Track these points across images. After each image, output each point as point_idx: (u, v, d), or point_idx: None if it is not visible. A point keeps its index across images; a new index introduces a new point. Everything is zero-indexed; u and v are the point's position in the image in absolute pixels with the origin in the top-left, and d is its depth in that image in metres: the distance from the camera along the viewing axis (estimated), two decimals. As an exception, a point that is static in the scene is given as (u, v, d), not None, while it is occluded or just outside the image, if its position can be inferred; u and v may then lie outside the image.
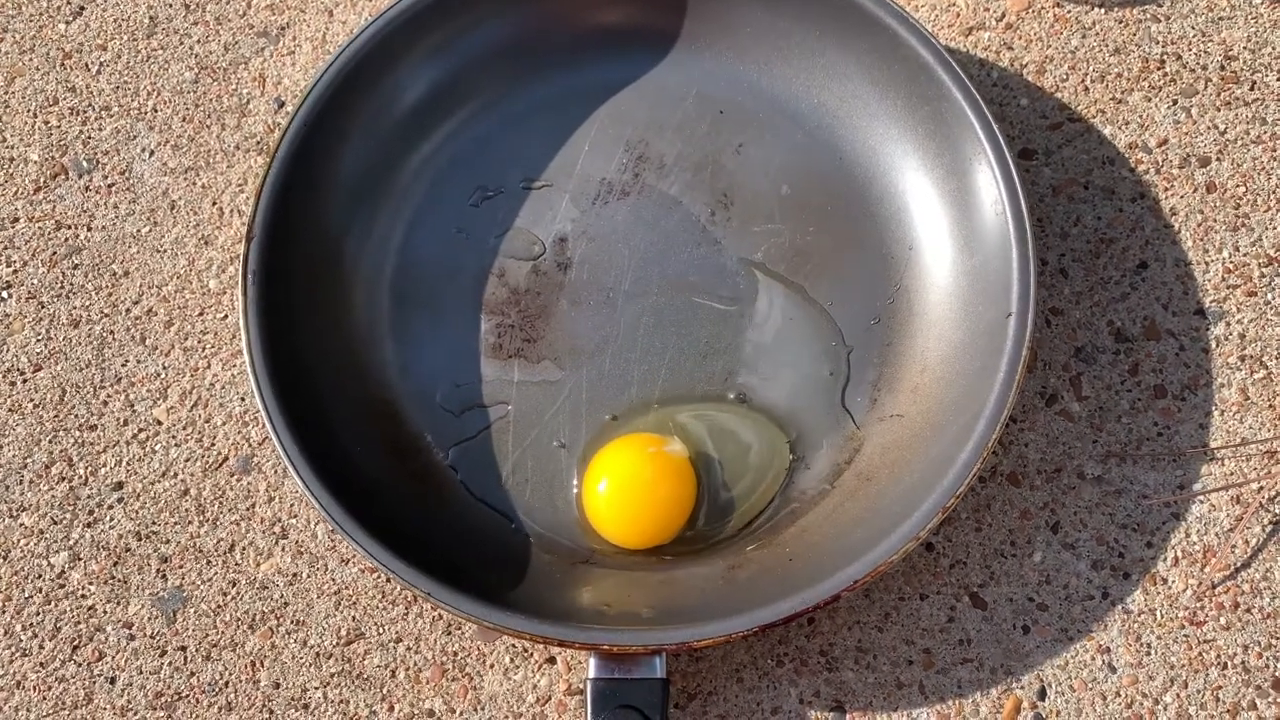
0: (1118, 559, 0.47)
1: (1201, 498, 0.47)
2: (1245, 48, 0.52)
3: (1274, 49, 0.52)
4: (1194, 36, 0.52)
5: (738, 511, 0.48)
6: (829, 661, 0.46)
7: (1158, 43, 0.52)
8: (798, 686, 0.45)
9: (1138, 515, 0.47)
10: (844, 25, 0.50)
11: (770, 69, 0.52)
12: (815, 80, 0.51)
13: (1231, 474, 0.47)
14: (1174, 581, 0.46)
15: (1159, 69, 0.52)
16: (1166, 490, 0.47)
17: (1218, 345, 0.49)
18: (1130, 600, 0.46)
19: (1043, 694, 0.45)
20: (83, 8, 0.55)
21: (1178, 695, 0.45)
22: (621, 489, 0.47)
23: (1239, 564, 0.46)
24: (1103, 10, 0.53)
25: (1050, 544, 0.47)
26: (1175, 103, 0.52)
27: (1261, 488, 0.47)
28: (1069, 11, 0.53)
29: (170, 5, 0.55)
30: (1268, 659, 0.45)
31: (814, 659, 0.46)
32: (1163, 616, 0.46)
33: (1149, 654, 0.45)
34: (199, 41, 0.54)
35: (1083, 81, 0.52)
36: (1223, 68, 0.52)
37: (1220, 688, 0.45)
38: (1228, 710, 0.45)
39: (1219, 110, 0.52)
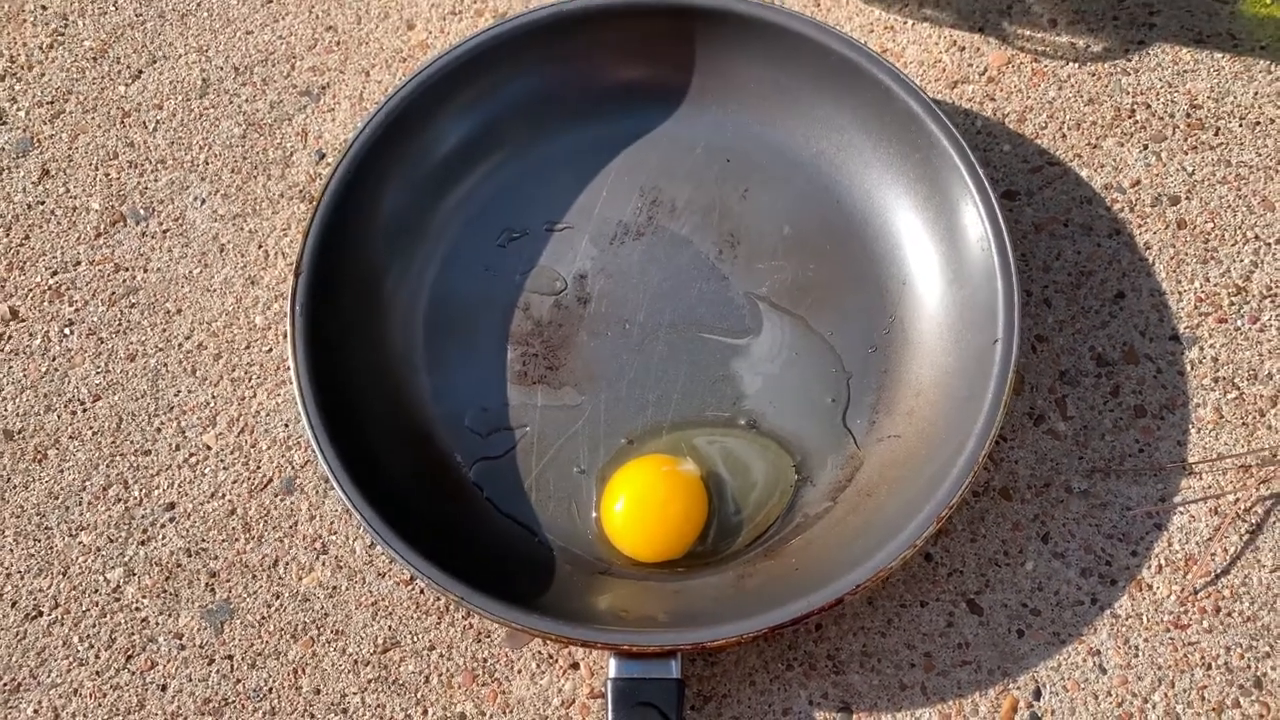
0: (1105, 567, 0.50)
1: (1182, 509, 0.50)
2: (1209, 97, 0.57)
3: (1235, 98, 0.57)
4: (1161, 87, 0.57)
5: (746, 529, 0.51)
6: (836, 665, 0.49)
7: (1128, 93, 0.57)
8: (807, 689, 0.48)
9: (1122, 526, 0.50)
10: (840, 81, 0.54)
11: (773, 121, 0.56)
12: (815, 131, 0.56)
13: (1209, 487, 0.51)
14: (1159, 588, 0.49)
15: (1130, 117, 0.57)
16: (1149, 502, 0.50)
17: (1192, 368, 0.52)
18: (1118, 605, 0.49)
19: (1038, 694, 0.48)
20: (141, 71, 0.60)
21: (1165, 694, 0.48)
22: (637, 505, 0.50)
23: (1219, 570, 0.49)
24: (1077, 64, 0.58)
25: (1041, 553, 0.50)
26: (1146, 147, 0.56)
27: (1238, 499, 0.50)
28: (1046, 66, 0.58)
29: (221, 68, 0.60)
30: (1249, 659, 0.48)
31: (822, 663, 0.49)
32: (1149, 620, 0.49)
33: (1137, 656, 0.48)
34: (247, 101, 0.59)
35: (1060, 129, 0.57)
36: (1189, 115, 0.56)
37: (1205, 687, 0.48)
38: (1213, 708, 0.47)
39: (1186, 154, 0.56)
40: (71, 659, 0.50)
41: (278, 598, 0.50)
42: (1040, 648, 0.49)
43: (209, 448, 0.53)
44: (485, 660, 0.49)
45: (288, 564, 0.51)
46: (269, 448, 0.53)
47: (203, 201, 0.57)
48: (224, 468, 0.52)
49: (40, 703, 0.49)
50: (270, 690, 0.49)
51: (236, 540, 0.51)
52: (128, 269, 0.56)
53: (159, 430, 0.53)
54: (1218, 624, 0.49)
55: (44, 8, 0.61)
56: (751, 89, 0.56)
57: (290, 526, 0.51)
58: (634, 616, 0.47)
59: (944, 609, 0.49)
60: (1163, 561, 0.50)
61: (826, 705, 0.48)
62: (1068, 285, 0.54)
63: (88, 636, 0.50)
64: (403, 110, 0.53)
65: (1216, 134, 0.56)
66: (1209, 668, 0.48)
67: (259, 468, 0.52)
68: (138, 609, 0.50)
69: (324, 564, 0.51)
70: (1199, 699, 0.48)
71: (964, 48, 0.58)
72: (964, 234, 0.52)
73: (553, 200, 0.56)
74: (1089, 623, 0.49)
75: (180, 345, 0.55)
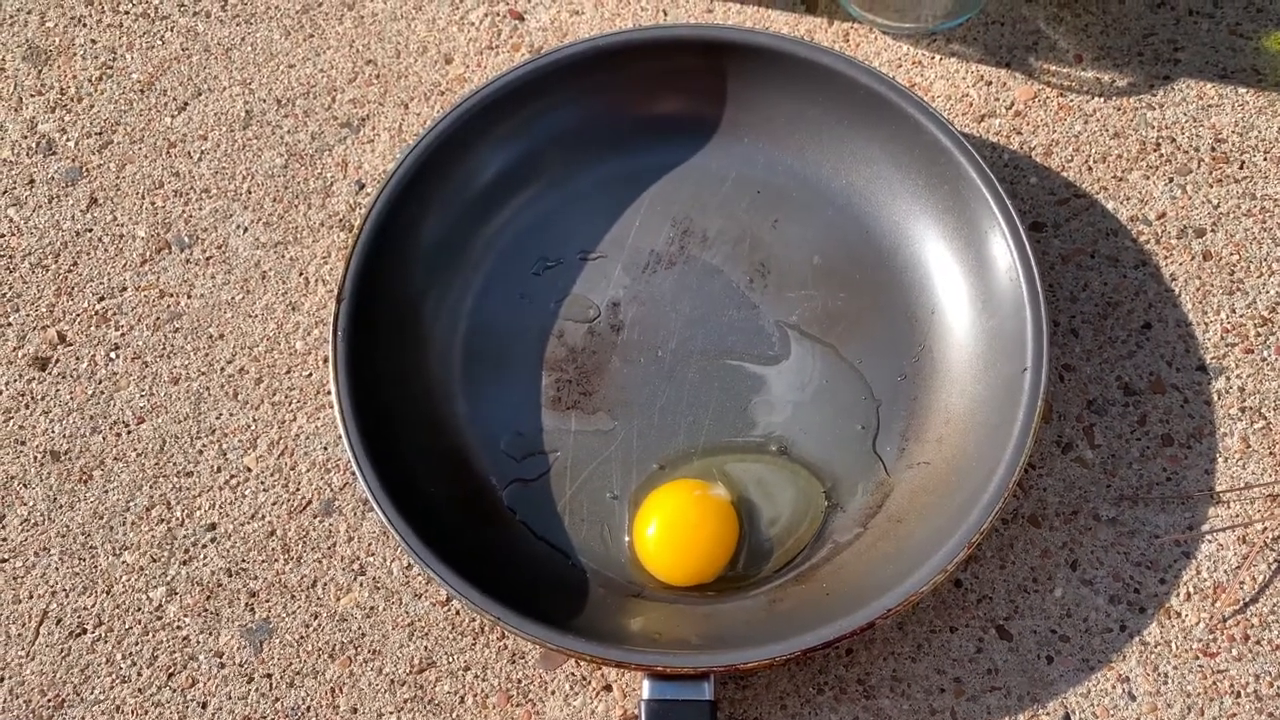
0: (1133, 594, 0.50)
1: (1210, 537, 0.51)
2: (1234, 131, 0.58)
3: (1259, 132, 0.57)
4: (1186, 122, 0.58)
5: (776, 554, 0.51)
6: (866, 690, 0.49)
7: (1153, 127, 0.58)
8: (837, 713, 0.49)
9: (1151, 554, 0.51)
10: (870, 114, 0.55)
11: (803, 153, 0.57)
12: (844, 163, 0.57)
13: (1237, 515, 0.51)
14: (1187, 615, 0.50)
15: (1155, 150, 0.58)
16: (1177, 530, 0.51)
17: (1219, 398, 0.53)
18: (1146, 633, 0.49)
19: (1067, 720, 0.48)
20: (186, 103, 0.62)
21: (1194, 722, 0.48)
22: (668, 528, 0.51)
23: (1247, 599, 0.50)
24: (1102, 99, 0.59)
25: (1070, 580, 0.50)
26: (1171, 180, 0.57)
27: (1266, 528, 0.51)
28: (1072, 100, 0.59)
29: (264, 100, 0.62)
30: (1278, 688, 0.48)
31: (852, 687, 0.49)
32: (1178, 648, 0.49)
33: (1166, 683, 0.49)
34: (289, 132, 0.61)
35: (1086, 162, 0.58)
36: (1213, 149, 0.57)
37: (1234, 715, 0.48)
38: (1242, 736, 0.48)
39: (1212, 187, 0.57)
40: (114, 676, 0.51)
41: (316, 617, 0.51)
42: (1069, 674, 0.49)
43: (249, 470, 0.54)
44: (520, 681, 0.50)
45: (326, 584, 0.52)
46: (308, 470, 0.54)
47: (245, 230, 0.59)
48: (264, 489, 0.53)
49: (84, 719, 0.50)
50: (308, 709, 0.50)
51: (276, 561, 0.52)
52: (172, 295, 0.57)
53: (201, 452, 0.54)
54: (1247, 652, 0.49)
55: (93, 41, 0.63)
56: (782, 122, 0.57)
57: (329, 548, 0.52)
58: (667, 639, 0.48)
59: (973, 635, 0.50)
60: (1191, 589, 0.50)
61: (857, 729, 0.48)
62: (1095, 315, 0.55)
63: (130, 654, 0.51)
64: (441, 142, 0.55)
65: (1241, 167, 0.57)
66: (1238, 696, 0.48)
67: (298, 490, 0.53)
68: (179, 627, 0.51)
69: (361, 585, 0.52)
70: (1229, 727, 0.48)
71: (991, 82, 0.59)
72: (992, 264, 0.53)
73: (587, 230, 0.57)
74: (1118, 650, 0.49)
75: (222, 369, 0.56)
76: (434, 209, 0.55)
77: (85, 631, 0.51)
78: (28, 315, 0.57)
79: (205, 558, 0.52)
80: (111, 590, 0.52)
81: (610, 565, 0.51)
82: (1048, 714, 0.48)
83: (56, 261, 0.58)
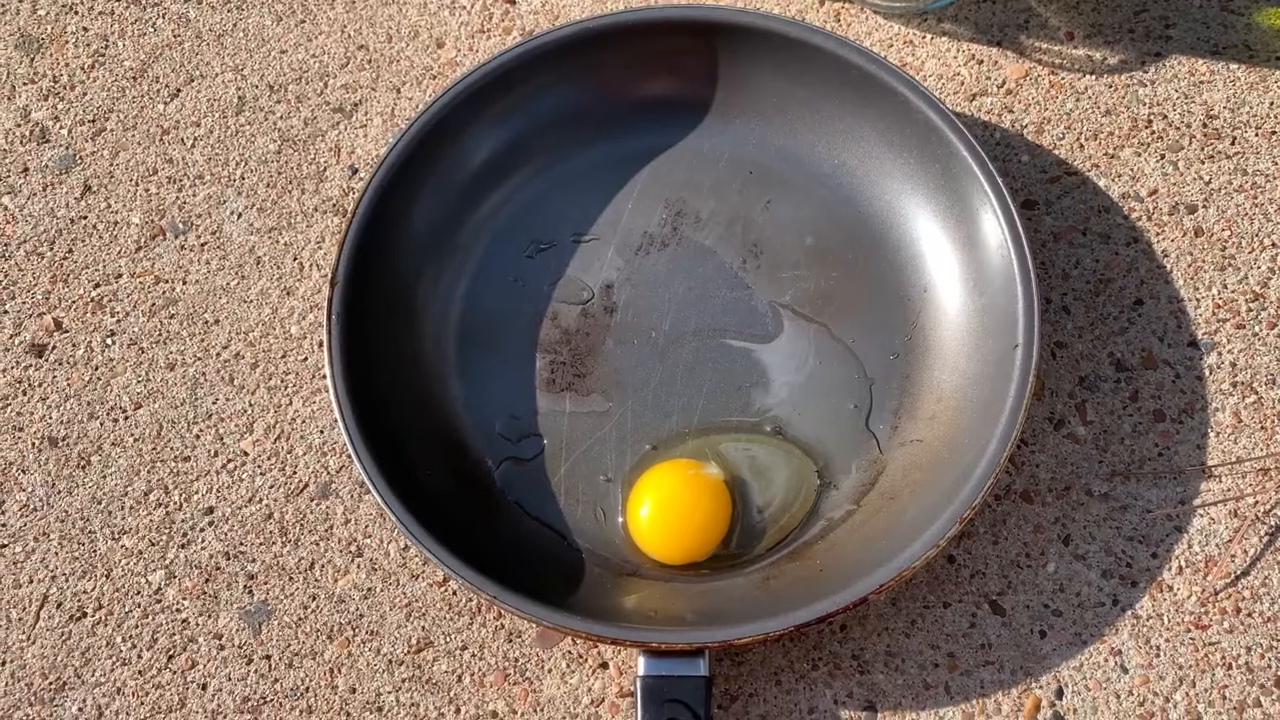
0: (1126, 568, 0.50)
1: (1201, 511, 0.51)
2: (1225, 107, 0.58)
3: (1251, 108, 0.58)
4: (1178, 98, 0.58)
5: (770, 533, 0.52)
6: (861, 665, 0.49)
7: (1145, 104, 0.58)
8: (832, 688, 0.49)
9: (1143, 528, 0.51)
10: (861, 94, 0.55)
11: (795, 134, 0.57)
12: (836, 143, 0.57)
13: (1228, 490, 0.51)
14: (1179, 589, 0.50)
15: (1147, 127, 0.58)
16: (1168, 505, 0.51)
17: (1211, 373, 0.53)
18: (1139, 606, 0.50)
19: (1060, 693, 0.49)
20: (179, 90, 0.62)
21: (1187, 694, 0.48)
22: (661, 508, 0.51)
23: (1239, 572, 0.50)
24: (1094, 76, 0.59)
25: (1062, 555, 0.51)
26: (1163, 157, 0.57)
27: (1257, 502, 0.51)
28: (1063, 78, 0.59)
29: (256, 86, 0.62)
30: (1270, 659, 0.49)
31: (847, 663, 0.50)
32: (1170, 621, 0.50)
33: (1158, 656, 0.49)
34: (282, 117, 0.61)
35: (1078, 139, 0.58)
36: (1205, 125, 0.57)
37: (1226, 686, 0.48)
38: (1234, 707, 0.48)
39: (1203, 163, 0.57)
40: (115, 659, 0.51)
41: (314, 599, 0.52)
42: (1062, 648, 0.49)
43: (246, 454, 0.54)
44: (516, 660, 0.50)
45: (324, 566, 0.52)
46: (305, 453, 0.54)
47: (239, 215, 0.59)
48: (261, 473, 0.54)
49: (85, 701, 0.50)
50: (307, 689, 0.50)
51: (274, 543, 0.53)
52: (167, 281, 0.58)
53: (198, 437, 0.55)
54: (1238, 624, 0.49)
55: (85, 29, 0.63)
56: (774, 103, 0.57)
57: (326, 530, 0.53)
58: (662, 616, 0.48)
59: (967, 610, 0.50)
60: (1183, 563, 0.50)
61: (851, 704, 0.49)
62: (1087, 292, 0.55)
63: (130, 637, 0.51)
64: (434, 126, 0.55)
65: (1233, 143, 0.57)
66: (1230, 667, 0.49)
67: (295, 473, 0.54)
68: (178, 610, 0.52)
69: (359, 566, 0.52)
70: (1220, 698, 0.48)
71: (982, 61, 0.59)
72: (984, 242, 0.53)
73: (580, 212, 0.57)
74: (1110, 623, 0.50)
75: (218, 354, 0.56)
76: (427, 193, 0.55)
77: (85, 615, 0.52)
78: (24, 303, 0.57)
79: (203, 541, 0.53)
80: (111, 574, 0.52)
81: (605, 545, 0.52)
82: (1041, 687, 0.49)
83: (52, 249, 0.58)
